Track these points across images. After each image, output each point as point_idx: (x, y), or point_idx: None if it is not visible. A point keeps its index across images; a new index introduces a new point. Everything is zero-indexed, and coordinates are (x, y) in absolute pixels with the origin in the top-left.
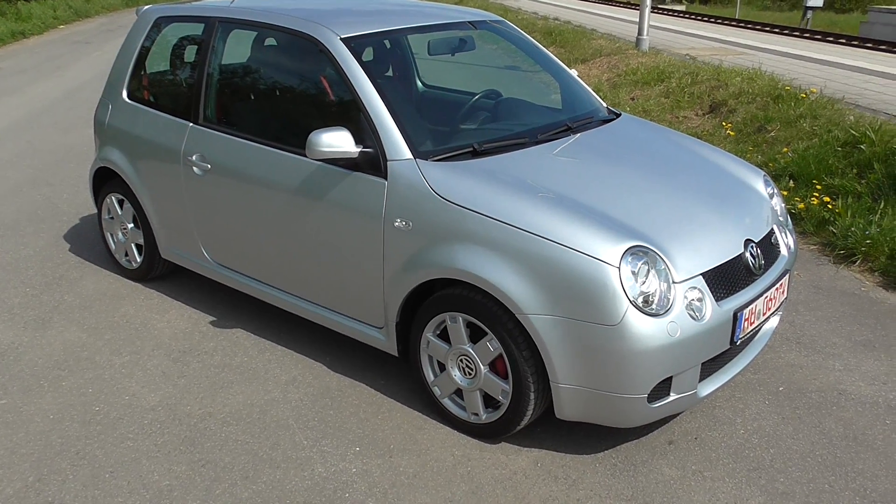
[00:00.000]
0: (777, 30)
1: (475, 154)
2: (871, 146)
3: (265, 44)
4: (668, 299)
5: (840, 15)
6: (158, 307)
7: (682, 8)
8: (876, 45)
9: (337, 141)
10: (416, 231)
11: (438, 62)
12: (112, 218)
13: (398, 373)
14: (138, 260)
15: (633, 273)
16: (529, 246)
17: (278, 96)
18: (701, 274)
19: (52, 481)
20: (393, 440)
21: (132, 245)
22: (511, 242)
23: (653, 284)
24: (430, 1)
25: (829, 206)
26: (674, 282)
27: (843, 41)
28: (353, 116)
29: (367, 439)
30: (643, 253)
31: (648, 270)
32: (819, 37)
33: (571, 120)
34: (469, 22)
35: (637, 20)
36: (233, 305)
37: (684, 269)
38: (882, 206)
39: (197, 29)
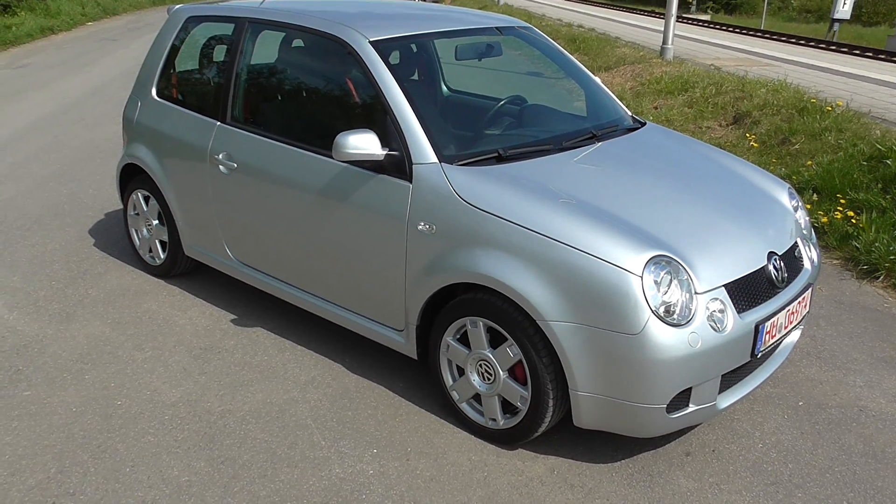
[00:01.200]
0: (803, 42)
1: (500, 160)
2: None
3: (293, 45)
4: (690, 310)
5: (867, 28)
6: (180, 304)
7: (706, 18)
8: None
9: (363, 143)
10: (439, 235)
11: (462, 67)
12: (137, 214)
13: (416, 376)
14: (162, 256)
15: (656, 282)
16: (553, 253)
17: (305, 97)
18: (723, 285)
19: (74, 473)
20: (410, 443)
21: (156, 241)
22: (535, 249)
23: (675, 294)
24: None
25: (853, 221)
26: (696, 292)
27: (870, 54)
28: (379, 119)
29: (384, 441)
30: (666, 262)
31: (671, 280)
32: (845, 49)
33: (596, 128)
34: (496, 28)
35: (660, 28)
36: (253, 304)
37: (707, 280)
38: None
39: (226, 29)
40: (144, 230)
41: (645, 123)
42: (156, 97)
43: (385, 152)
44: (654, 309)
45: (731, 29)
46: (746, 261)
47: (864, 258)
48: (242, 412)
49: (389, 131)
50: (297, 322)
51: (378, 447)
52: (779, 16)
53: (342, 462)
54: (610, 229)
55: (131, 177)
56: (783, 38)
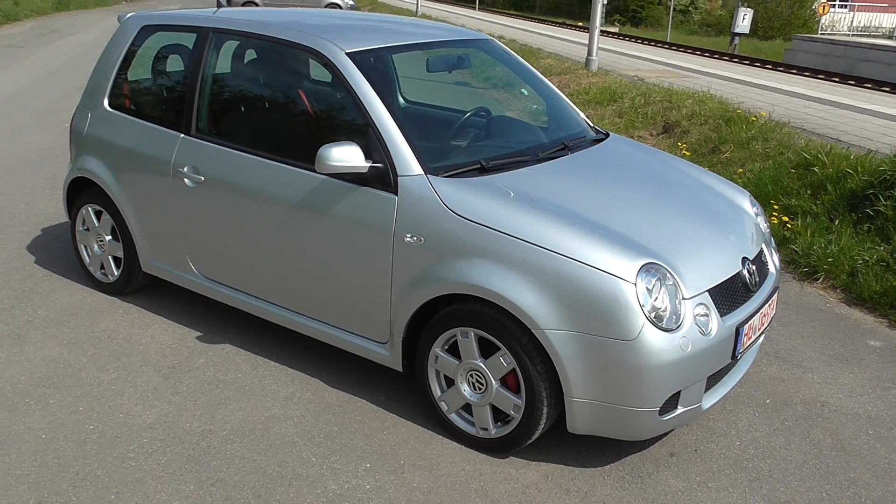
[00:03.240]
0: (708, 54)
1: (482, 171)
2: (823, 168)
3: (264, 56)
4: (679, 315)
5: (764, 42)
6: (139, 322)
7: (615, 30)
8: (800, 70)
9: (347, 156)
10: (428, 246)
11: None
12: (87, 230)
13: (397, 387)
14: (115, 273)
15: (648, 289)
16: (546, 262)
17: (279, 110)
18: (707, 290)
19: (55, 503)
20: (402, 456)
21: (109, 257)
22: (527, 259)
23: (664, 301)
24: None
25: (789, 226)
26: (683, 298)
27: (770, 66)
28: (360, 131)
29: (375, 455)
30: (656, 269)
31: (661, 287)
32: (747, 62)
33: (567, 139)
34: (464, 40)
35: (580, 40)
36: (218, 320)
37: (692, 286)
38: (838, 225)
39: (186, 38)
40: (95, 246)
41: (608, 134)
42: (108, 108)
43: (369, 164)
44: (647, 315)
45: (641, 41)
46: (725, 266)
47: (803, 261)
48: (224, 431)
49: (371, 143)
50: (267, 337)
51: (370, 461)
52: (681, 29)
53: (336, 478)
54: (600, 238)
55: (80, 191)
56: (691, 51)
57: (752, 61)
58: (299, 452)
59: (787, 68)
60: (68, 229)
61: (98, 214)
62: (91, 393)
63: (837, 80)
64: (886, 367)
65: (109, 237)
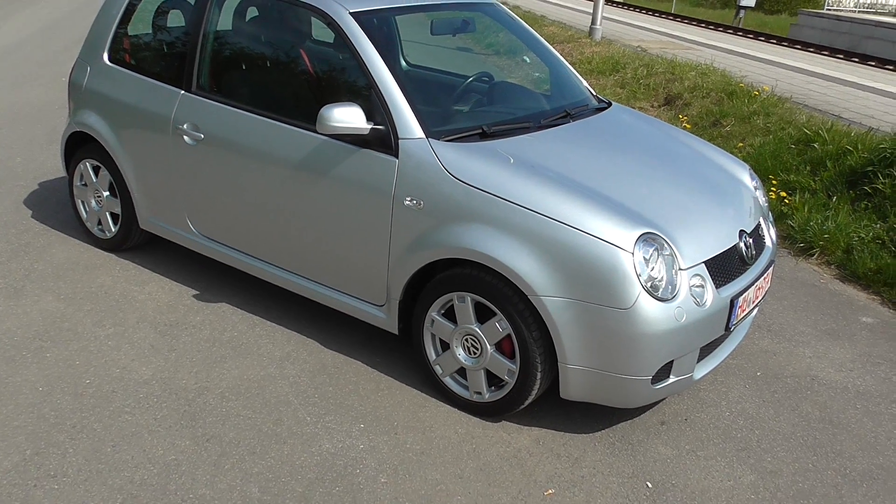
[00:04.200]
0: (712, 26)
1: (483, 136)
2: (823, 145)
3: (266, 14)
4: (675, 285)
5: (769, 16)
6: (136, 279)
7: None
8: (805, 46)
9: (348, 117)
10: (427, 210)
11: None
12: (85, 185)
13: (392, 350)
14: (112, 229)
15: (645, 259)
16: (544, 229)
17: (281, 68)
18: (703, 262)
19: (52, 454)
20: (396, 417)
21: (107, 214)
22: (526, 225)
23: (661, 270)
24: None
25: (787, 201)
26: (680, 268)
27: (774, 41)
28: (362, 92)
29: (370, 416)
30: (653, 239)
31: (658, 257)
32: (752, 36)
33: (569, 107)
34: (469, 3)
35: (584, 9)
36: (214, 279)
37: (689, 257)
38: (836, 202)
39: None
40: (93, 202)
41: (611, 104)
42: (108, 62)
43: (370, 126)
44: (643, 284)
45: (646, 11)
46: (722, 238)
47: (799, 236)
48: (220, 389)
49: (373, 105)
50: (264, 297)
51: (364, 422)
52: (686, 0)
53: (331, 437)
54: (600, 206)
55: (78, 145)
56: (696, 23)
57: (757, 35)
58: (294, 411)
59: (792, 43)
60: (66, 183)
61: (96, 170)
62: (88, 348)
63: (842, 56)
64: (877, 344)
65: (107, 193)
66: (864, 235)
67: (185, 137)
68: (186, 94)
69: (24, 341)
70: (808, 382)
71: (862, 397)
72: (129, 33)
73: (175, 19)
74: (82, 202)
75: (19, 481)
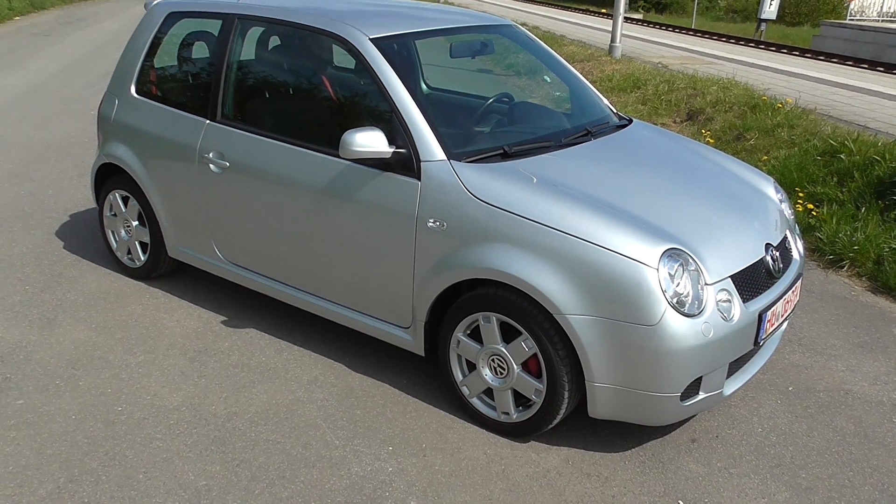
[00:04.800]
0: (733, 40)
1: (505, 156)
2: (849, 155)
3: (288, 42)
4: (702, 300)
5: (791, 28)
6: (166, 306)
7: (639, 16)
8: (828, 57)
9: (371, 141)
10: (450, 232)
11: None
12: (115, 215)
13: (419, 372)
14: (142, 258)
15: (670, 275)
16: (568, 247)
17: (303, 95)
18: (730, 276)
19: (85, 482)
20: (424, 439)
21: (136, 243)
22: (550, 244)
23: (686, 286)
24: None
25: (814, 213)
26: (706, 283)
27: (797, 53)
28: (383, 116)
29: (398, 438)
30: (678, 255)
31: (683, 272)
32: (774, 48)
33: (590, 125)
34: (487, 25)
35: (603, 27)
36: (242, 304)
37: (715, 272)
38: (864, 213)
39: (212, 25)
40: (123, 231)
41: (631, 121)
42: (135, 94)
43: (392, 150)
44: (669, 300)
45: (666, 28)
46: (748, 252)
47: (828, 249)
48: (249, 414)
49: (395, 128)
50: (291, 322)
51: (392, 444)
52: (707, 15)
53: (359, 461)
54: (623, 223)
55: (107, 176)
56: (716, 37)
57: (779, 48)
58: (322, 435)
59: (815, 55)
60: (96, 215)
61: (125, 200)
62: (119, 375)
63: (866, 66)
64: None
65: (136, 223)
66: (894, 246)
67: (211, 166)
68: (212, 123)
69: (57, 370)
70: (841, 396)
71: None
72: (156, 66)
73: (199, 51)
74: (112, 232)
75: None
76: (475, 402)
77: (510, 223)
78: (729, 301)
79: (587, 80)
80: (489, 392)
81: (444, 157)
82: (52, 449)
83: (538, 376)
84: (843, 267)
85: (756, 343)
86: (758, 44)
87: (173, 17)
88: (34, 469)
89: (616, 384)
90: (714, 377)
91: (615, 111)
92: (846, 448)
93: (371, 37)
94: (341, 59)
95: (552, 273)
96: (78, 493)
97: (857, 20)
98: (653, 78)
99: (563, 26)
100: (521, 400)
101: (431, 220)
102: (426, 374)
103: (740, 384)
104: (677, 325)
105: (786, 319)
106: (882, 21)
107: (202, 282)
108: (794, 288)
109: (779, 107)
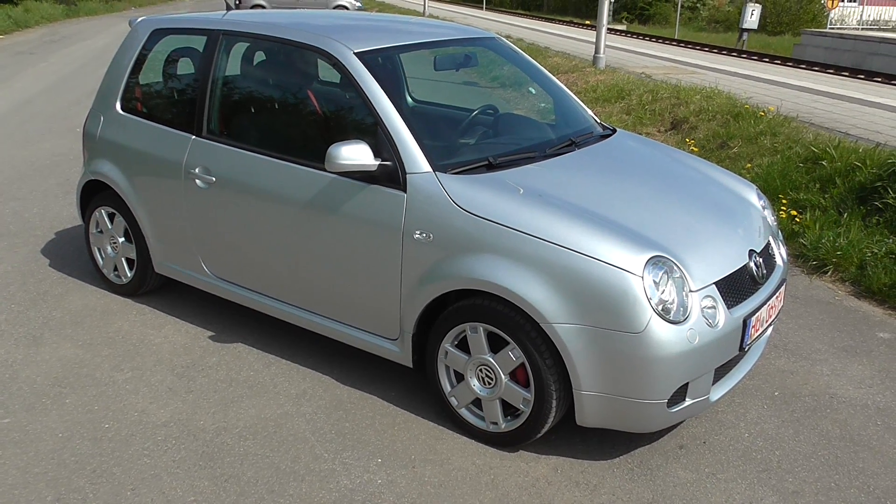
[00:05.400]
0: (716, 50)
1: (490, 167)
2: (831, 162)
3: (273, 58)
4: (686, 307)
5: (773, 37)
6: (152, 322)
7: (623, 28)
8: (809, 65)
9: (356, 154)
10: (437, 243)
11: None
12: (101, 232)
13: (407, 383)
14: (129, 275)
15: (655, 282)
16: (553, 257)
17: (289, 110)
18: (714, 283)
19: (73, 500)
20: (413, 451)
21: (122, 259)
22: (535, 253)
23: (671, 293)
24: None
25: (798, 220)
26: (690, 290)
27: (779, 62)
28: (369, 130)
29: (387, 450)
30: (662, 262)
31: (668, 279)
32: (756, 57)
33: (574, 135)
34: (471, 38)
35: (587, 39)
36: (229, 319)
37: (699, 279)
38: (847, 218)
39: (197, 41)
40: (109, 248)
41: (615, 130)
42: (120, 111)
43: (378, 162)
44: (654, 308)
45: (649, 38)
46: (731, 259)
47: (811, 254)
48: (238, 429)
49: (380, 141)
50: (278, 335)
51: (382, 456)
52: (689, 26)
53: (349, 473)
54: (607, 232)
55: (93, 193)
56: (699, 47)
57: (761, 57)
58: (311, 448)
59: (796, 63)
60: (82, 232)
61: (111, 217)
62: (106, 392)
63: (847, 74)
64: (895, 359)
65: (122, 239)
66: (877, 251)
67: (197, 181)
68: (197, 138)
69: (43, 388)
70: (826, 400)
71: (882, 413)
72: (141, 82)
73: (184, 67)
74: (98, 249)
75: None
76: (464, 412)
77: (496, 234)
78: (714, 307)
79: (572, 91)
80: (478, 402)
81: (430, 169)
82: (38, 468)
83: (526, 386)
84: (826, 272)
85: (741, 349)
86: (740, 53)
87: (158, 34)
88: (21, 488)
89: (603, 392)
90: (700, 383)
91: (599, 121)
92: (832, 451)
93: (355, 51)
94: (326, 73)
95: (538, 282)
96: None
97: (838, 29)
98: (637, 88)
99: (547, 38)
100: (509, 410)
101: (418, 232)
102: (414, 385)
103: (727, 390)
104: (663, 333)
105: (770, 325)
106: (862, 29)
107: (189, 297)
108: (778, 293)
109: (761, 115)
